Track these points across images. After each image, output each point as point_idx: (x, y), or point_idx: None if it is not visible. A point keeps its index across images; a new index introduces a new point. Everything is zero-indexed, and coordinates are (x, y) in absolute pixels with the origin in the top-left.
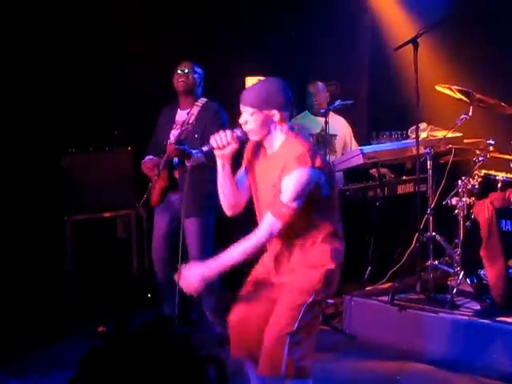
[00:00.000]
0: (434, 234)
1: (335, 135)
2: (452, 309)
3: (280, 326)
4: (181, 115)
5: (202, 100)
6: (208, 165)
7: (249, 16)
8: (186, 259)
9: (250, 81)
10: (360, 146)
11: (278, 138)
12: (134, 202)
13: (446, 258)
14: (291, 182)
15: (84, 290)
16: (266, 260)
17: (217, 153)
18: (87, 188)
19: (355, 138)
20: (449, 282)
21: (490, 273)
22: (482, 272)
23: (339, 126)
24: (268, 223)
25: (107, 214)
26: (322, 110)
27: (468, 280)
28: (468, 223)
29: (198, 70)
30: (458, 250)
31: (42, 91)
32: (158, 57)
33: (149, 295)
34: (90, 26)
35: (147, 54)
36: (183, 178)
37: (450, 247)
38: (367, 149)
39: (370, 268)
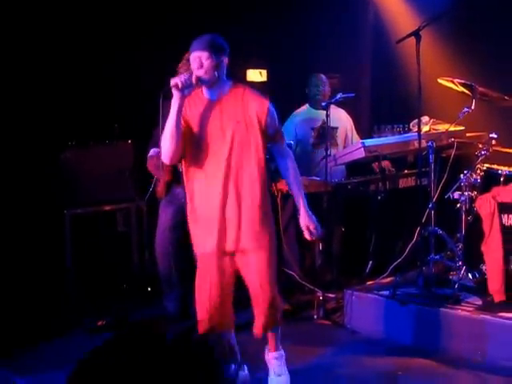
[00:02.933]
0: (435, 228)
1: (336, 128)
2: (454, 303)
3: (273, 279)
4: None
5: None
6: None
7: (249, 8)
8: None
9: (251, 73)
10: (362, 139)
11: (227, 83)
12: (134, 195)
13: (448, 253)
14: (273, 115)
15: (84, 284)
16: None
17: (177, 94)
18: (87, 181)
19: (357, 131)
20: (450, 277)
21: (489, 267)
22: (483, 266)
23: (340, 118)
24: (287, 150)
25: (107, 208)
26: (323, 103)
27: (470, 274)
28: (470, 217)
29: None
30: (460, 245)
31: (42, 85)
32: (158, 49)
33: (149, 289)
34: (90, 19)
35: (147, 46)
36: None
37: (452, 241)
38: (369, 142)
39: (371, 262)
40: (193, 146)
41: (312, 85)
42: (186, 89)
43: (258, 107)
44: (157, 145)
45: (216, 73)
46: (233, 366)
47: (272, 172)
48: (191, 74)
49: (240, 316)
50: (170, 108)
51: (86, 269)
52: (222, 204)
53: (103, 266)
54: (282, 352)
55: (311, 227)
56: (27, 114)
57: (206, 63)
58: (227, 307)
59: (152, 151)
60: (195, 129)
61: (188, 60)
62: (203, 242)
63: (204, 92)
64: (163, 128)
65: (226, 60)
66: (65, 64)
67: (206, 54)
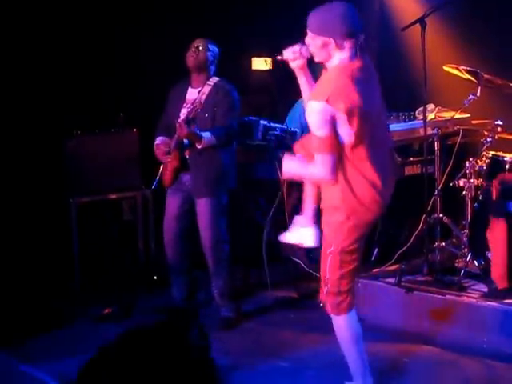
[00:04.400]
0: (441, 215)
1: None
2: (459, 291)
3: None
4: (192, 93)
5: (214, 79)
6: (219, 145)
7: None
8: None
9: (257, 61)
10: None
11: (332, 65)
12: (140, 183)
13: (454, 240)
14: (309, 115)
15: (90, 273)
16: None
17: (291, 64)
18: (93, 170)
19: None
20: (456, 264)
21: (495, 254)
22: (489, 253)
23: None
24: (316, 161)
25: (113, 196)
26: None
27: (475, 262)
28: (476, 204)
29: (212, 47)
30: (466, 232)
31: (47, 74)
32: (163, 37)
33: (155, 278)
34: (94, 8)
35: (153, 34)
36: (194, 158)
37: (458, 229)
38: None
39: (376, 250)
40: None
41: (316, 74)
42: (295, 60)
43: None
44: (163, 131)
45: (323, 53)
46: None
47: (279, 159)
48: (301, 46)
49: None
50: (176, 93)
51: (92, 257)
52: None
53: (109, 255)
54: None
55: None
56: (33, 103)
57: (310, 41)
58: None
59: (158, 139)
60: None
61: (193, 48)
62: None
63: None
64: (167, 115)
65: (333, 42)
66: (70, 53)
67: (310, 33)
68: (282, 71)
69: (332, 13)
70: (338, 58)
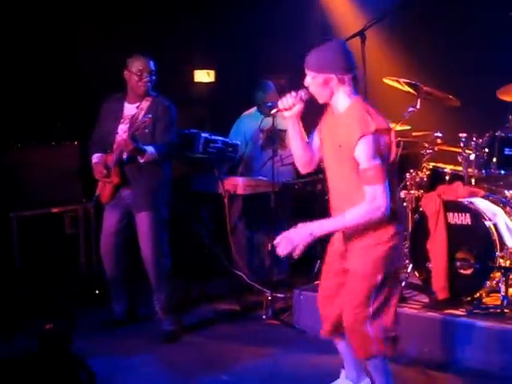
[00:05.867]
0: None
1: (285, 130)
2: (400, 302)
3: (355, 313)
4: (129, 109)
5: (152, 94)
6: (159, 161)
7: (198, 8)
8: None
9: (199, 74)
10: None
11: (343, 101)
12: (82, 197)
13: None
14: (362, 150)
15: (31, 287)
16: (336, 239)
17: (285, 114)
18: (34, 183)
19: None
20: None
21: (435, 265)
22: (429, 265)
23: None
24: (370, 195)
25: (54, 210)
26: (269, 104)
27: (416, 272)
28: (416, 216)
29: (154, 66)
30: (407, 243)
31: None
32: (105, 49)
33: (97, 292)
34: (36, 20)
35: (94, 47)
36: (133, 173)
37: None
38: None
39: (319, 262)
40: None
41: (259, 92)
42: (291, 109)
43: (352, 138)
44: (98, 147)
45: (325, 91)
46: None
47: (220, 172)
48: (297, 92)
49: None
50: (110, 109)
51: (33, 271)
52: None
53: (51, 269)
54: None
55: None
56: None
57: (311, 81)
58: None
59: (95, 157)
60: (321, 142)
61: (147, 73)
62: None
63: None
64: (101, 129)
65: (335, 78)
66: (10, 65)
67: (310, 73)
68: (225, 83)
69: (331, 50)
70: (342, 92)
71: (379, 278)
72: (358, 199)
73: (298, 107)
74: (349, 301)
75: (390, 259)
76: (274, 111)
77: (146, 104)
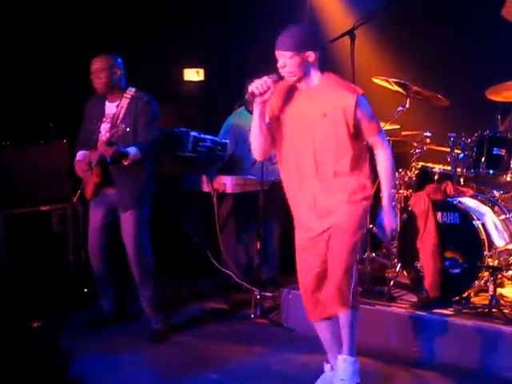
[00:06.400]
0: (371, 226)
1: None
2: (389, 301)
3: (345, 264)
4: (110, 108)
5: (131, 91)
6: (144, 159)
7: (186, 7)
8: (122, 253)
9: (188, 72)
10: None
11: (315, 76)
12: (70, 195)
13: (384, 251)
14: (364, 106)
15: (19, 286)
16: (298, 219)
17: (257, 100)
18: (22, 181)
19: None
20: (386, 275)
21: (425, 264)
22: (418, 264)
23: None
24: (379, 141)
25: (42, 208)
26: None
27: (405, 272)
28: (405, 215)
29: (114, 62)
30: (395, 243)
31: None
32: (93, 48)
33: (85, 290)
34: (25, 21)
35: (83, 46)
36: (118, 173)
37: (387, 239)
38: None
39: None
40: (282, 136)
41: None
42: (265, 94)
43: (346, 101)
44: (83, 145)
45: (302, 69)
46: None
47: (209, 170)
48: (269, 76)
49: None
50: (93, 107)
51: (21, 270)
52: (299, 197)
53: (39, 267)
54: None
55: (387, 228)
56: None
57: (289, 62)
58: None
59: (79, 155)
60: (284, 119)
61: (93, 73)
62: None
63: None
64: (86, 128)
65: (312, 54)
66: None
67: (288, 54)
68: (215, 82)
69: (305, 30)
70: (315, 68)
71: (364, 231)
72: (347, 162)
73: (270, 92)
74: (340, 253)
75: (368, 215)
76: (249, 97)
77: (125, 102)
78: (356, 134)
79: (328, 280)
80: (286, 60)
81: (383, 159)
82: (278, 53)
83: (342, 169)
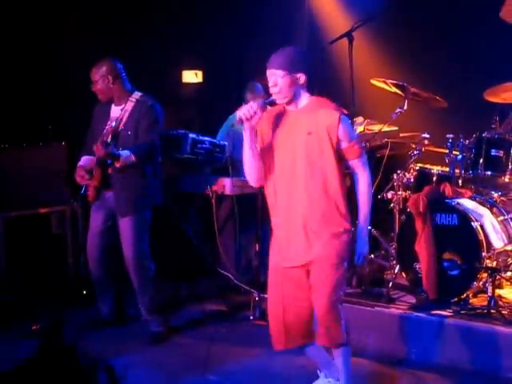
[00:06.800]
0: (369, 227)
1: None
2: (388, 302)
3: (333, 295)
4: (115, 111)
5: (136, 95)
6: (139, 163)
7: (185, 9)
8: (120, 258)
9: (187, 74)
10: None
11: (304, 98)
12: (69, 197)
13: (382, 252)
14: (345, 127)
15: (18, 288)
16: (279, 243)
17: (246, 125)
18: (21, 184)
19: None
20: (385, 276)
21: (424, 266)
22: (417, 265)
23: None
24: (360, 164)
25: (42, 210)
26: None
27: (403, 273)
28: (403, 217)
29: (111, 68)
30: (394, 244)
31: None
32: (93, 49)
33: (84, 292)
34: (24, 21)
35: (82, 48)
36: (116, 177)
37: (386, 241)
38: None
39: None
40: (269, 157)
41: (246, 92)
42: (252, 118)
43: (330, 118)
44: (88, 149)
45: (292, 90)
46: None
47: (208, 175)
48: (254, 102)
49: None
50: (100, 110)
51: (20, 272)
52: (286, 220)
53: (38, 269)
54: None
55: (357, 252)
56: None
57: (281, 82)
58: None
59: (82, 160)
60: (273, 144)
61: (92, 83)
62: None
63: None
64: (92, 132)
65: (303, 76)
66: None
67: (280, 73)
68: (213, 84)
69: (298, 51)
70: (304, 90)
71: (346, 264)
72: (332, 184)
73: (258, 117)
74: (323, 288)
75: (352, 247)
76: (238, 122)
77: (130, 105)
78: (340, 156)
79: (316, 321)
80: (277, 79)
81: (362, 183)
82: (269, 72)
83: (328, 192)
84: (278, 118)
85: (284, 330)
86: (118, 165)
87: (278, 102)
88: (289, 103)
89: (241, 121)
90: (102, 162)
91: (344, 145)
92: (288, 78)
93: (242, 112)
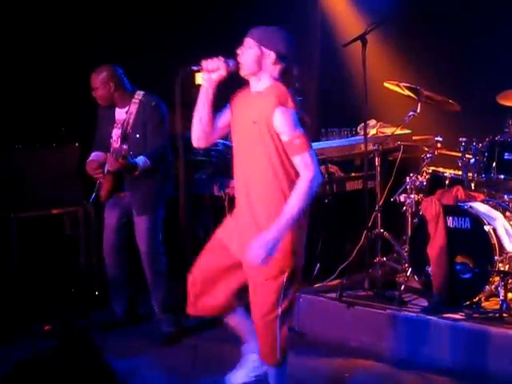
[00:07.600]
0: (382, 230)
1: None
2: (400, 305)
3: (267, 311)
4: (120, 114)
5: (139, 95)
6: (154, 166)
7: (197, 9)
8: (135, 255)
9: (199, 76)
10: None
11: (265, 81)
12: (82, 198)
13: (395, 255)
14: (283, 120)
15: (31, 288)
16: (232, 221)
17: (204, 76)
18: (34, 185)
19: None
20: (397, 279)
21: (435, 269)
22: (429, 268)
23: None
24: (302, 163)
25: (54, 211)
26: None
27: (415, 276)
28: (416, 220)
29: (109, 74)
30: (406, 247)
31: None
32: (105, 51)
33: (96, 293)
34: (35, 24)
35: (93, 50)
36: (131, 180)
37: (398, 244)
38: (315, 145)
39: (318, 265)
40: (232, 138)
41: None
42: (214, 72)
43: (269, 110)
44: (99, 146)
45: (255, 65)
46: None
47: (222, 177)
48: (226, 59)
49: None
50: (105, 111)
51: (33, 272)
52: (238, 210)
53: (50, 270)
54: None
55: (251, 253)
56: None
57: (248, 51)
58: None
59: (92, 155)
60: (232, 121)
61: (92, 90)
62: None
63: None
64: (99, 132)
65: (273, 56)
66: (10, 67)
67: (251, 42)
68: (225, 86)
69: (281, 33)
70: (268, 73)
71: (284, 277)
72: (271, 181)
73: (220, 73)
74: (257, 306)
75: (294, 254)
76: (195, 68)
77: (134, 107)
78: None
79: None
80: (246, 48)
81: (300, 183)
82: (244, 40)
83: (271, 185)
84: (241, 99)
85: (201, 296)
86: (136, 173)
87: (240, 72)
88: (249, 78)
89: (201, 68)
90: (115, 171)
91: (284, 139)
92: (257, 51)
93: (206, 62)
